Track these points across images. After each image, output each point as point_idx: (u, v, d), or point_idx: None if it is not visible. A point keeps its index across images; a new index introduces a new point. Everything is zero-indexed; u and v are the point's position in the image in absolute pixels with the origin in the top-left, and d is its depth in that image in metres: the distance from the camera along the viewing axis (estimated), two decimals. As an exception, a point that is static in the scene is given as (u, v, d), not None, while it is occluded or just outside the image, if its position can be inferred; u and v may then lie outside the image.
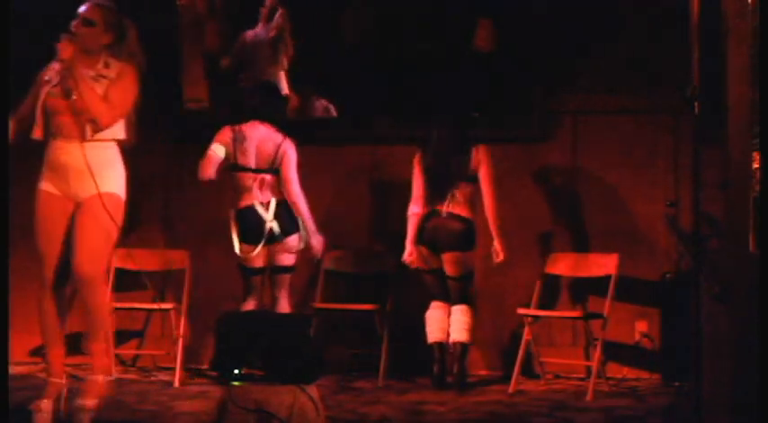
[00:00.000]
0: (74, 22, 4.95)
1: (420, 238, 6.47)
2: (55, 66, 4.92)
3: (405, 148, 6.70)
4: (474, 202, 6.45)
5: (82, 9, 5.00)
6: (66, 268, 4.89)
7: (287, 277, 6.39)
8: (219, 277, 6.85)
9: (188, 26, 6.89)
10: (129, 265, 7.03)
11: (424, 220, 6.46)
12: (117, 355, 7.01)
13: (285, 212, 6.25)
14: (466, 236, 6.41)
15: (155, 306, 6.97)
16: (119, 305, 6.83)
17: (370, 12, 7.30)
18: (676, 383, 6.27)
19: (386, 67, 7.16)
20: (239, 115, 6.39)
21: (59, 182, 4.91)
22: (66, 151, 4.89)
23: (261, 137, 6.28)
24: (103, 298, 4.97)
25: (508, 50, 7.00)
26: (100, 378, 4.89)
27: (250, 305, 6.36)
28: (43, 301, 4.91)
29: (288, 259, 6.33)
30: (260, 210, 6.22)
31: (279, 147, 6.26)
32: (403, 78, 7.10)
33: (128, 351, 7.21)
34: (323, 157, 7.22)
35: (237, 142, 6.26)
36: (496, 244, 6.39)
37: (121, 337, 7.10)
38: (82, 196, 4.90)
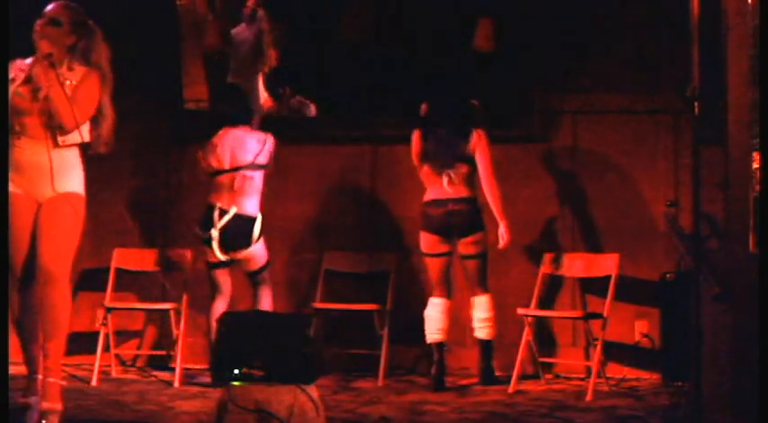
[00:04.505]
0: (39, 22, 4.85)
1: (430, 227, 6.40)
2: (19, 63, 4.86)
3: (405, 148, 6.69)
4: (472, 182, 6.42)
5: (48, 8, 4.89)
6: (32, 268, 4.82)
7: (261, 277, 6.47)
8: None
9: (188, 26, 6.89)
10: (129, 266, 7.04)
11: (430, 206, 6.40)
12: (117, 355, 7.01)
13: (239, 228, 6.29)
14: (475, 216, 6.37)
15: (155, 306, 6.97)
16: (119, 305, 6.85)
17: (371, 12, 7.31)
18: (676, 383, 6.27)
19: (386, 67, 7.16)
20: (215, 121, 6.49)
21: (23, 181, 4.82)
22: (32, 151, 4.80)
23: (235, 139, 6.37)
24: (66, 297, 4.82)
25: (508, 50, 6.99)
26: (59, 380, 4.81)
27: (218, 304, 6.38)
28: (15, 303, 4.81)
29: (252, 265, 6.43)
30: (215, 214, 6.29)
31: (264, 143, 6.36)
32: (403, 78, 7.10)
33: (128, 351, 7.20)
34: (323, 157, 7.23)
35: (209, 153, 6.39)
36: (502, 227, 6.37)
37: (121, 337, 7.09)
38: (45, 196, 4.82)
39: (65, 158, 4.86)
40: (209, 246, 6.32)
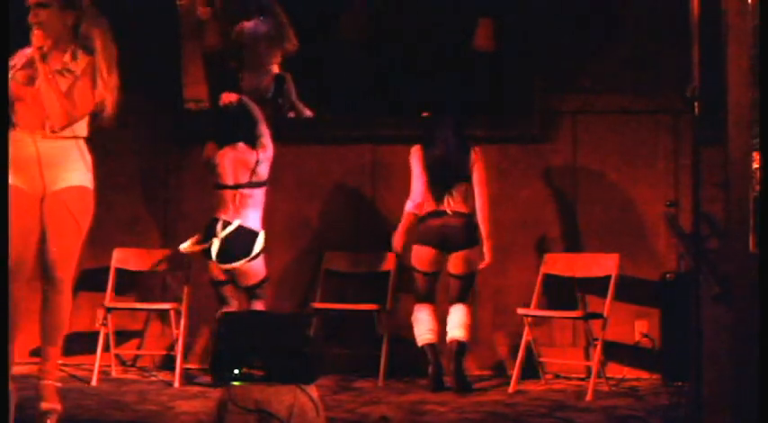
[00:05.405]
0: (30, 12, 4.73)
1: (425, 238, 6.44)
2: (24, 51, 4.75)
3: (405, 148, 6.69)
4: (469, 199, 6.44)
5: None
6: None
7: (257, 292, 6.46)
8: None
9: (188, 26, 6.89)
10: (129, 266, 7.04)
11: (429, 218, 6.43)
12: (117, 355, 7.01)
13: (241, 238, 6.29)
14: (470, 232, 6.38)
15: (155, 306, 6.97)
16: (119, 305, 6.85)
17: (370, 11, 7.30)
18: (676, 383, 6.27)
19: (386, 67, 7.16)
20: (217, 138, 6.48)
21: (25, 175, 4.70)
22: (28, 143, 4.70)
23: (236, 159, 6.38)
24: (69, 301, 4.79)
25: (508, 50, 6.99)
26: (57, 383, 4.81)
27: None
28: (19, 307, 4.72)
29: (249, 279, 6.42)
30: (218, 226, 6.31)
31: (261, 156, 6.38)
32: (403, 78, 7.10)
33: (128, 351, 7.20)
34: (323, 156, 7.23)
35: (210, 167, 6.43)
36: (485, 248, 6.38)
37: (121, 337, 7.10)
38: (49, 190, 4.73)
39: (64, 151, 4.76)
40: (209, 257, 6.31)
